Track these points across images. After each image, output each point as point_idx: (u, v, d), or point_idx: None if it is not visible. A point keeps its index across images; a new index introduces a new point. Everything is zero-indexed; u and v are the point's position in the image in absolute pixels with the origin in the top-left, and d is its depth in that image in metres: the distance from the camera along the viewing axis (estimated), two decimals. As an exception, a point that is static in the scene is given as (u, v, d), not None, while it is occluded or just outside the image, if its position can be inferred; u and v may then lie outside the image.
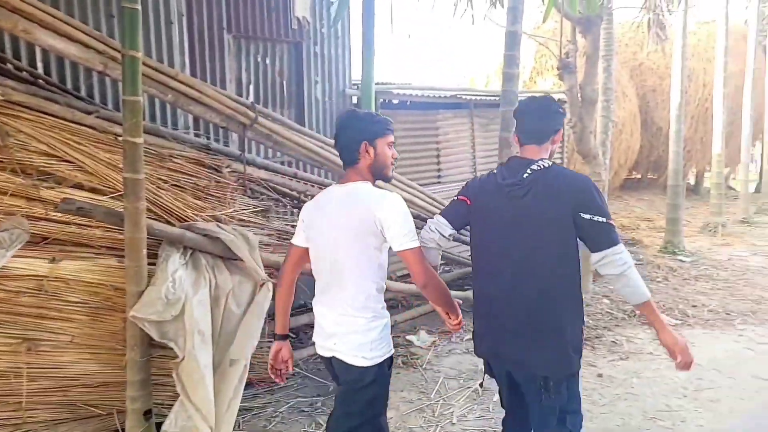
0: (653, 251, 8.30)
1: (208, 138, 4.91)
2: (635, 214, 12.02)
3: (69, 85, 4.26)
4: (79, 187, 3.06)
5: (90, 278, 2.86)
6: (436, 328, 5.00)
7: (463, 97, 7.82)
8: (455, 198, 2.30)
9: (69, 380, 2.89)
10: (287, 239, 4.01)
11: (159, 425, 2.81)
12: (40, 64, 4.19)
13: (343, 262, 2.05)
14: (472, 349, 4.53)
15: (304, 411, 3.55)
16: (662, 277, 6.90)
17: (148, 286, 2.74)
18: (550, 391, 2.04)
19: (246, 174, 4.14)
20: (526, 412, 2.37)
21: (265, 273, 3.23)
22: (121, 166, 2.81)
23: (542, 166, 2.08)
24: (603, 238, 1.99)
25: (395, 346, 2.29)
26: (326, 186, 5.07)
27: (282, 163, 5.27)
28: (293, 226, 4.23)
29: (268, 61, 5.77)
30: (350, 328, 2.05)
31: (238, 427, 3.30)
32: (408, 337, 4.74)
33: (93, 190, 3.08)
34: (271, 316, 4.05)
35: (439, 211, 2.38)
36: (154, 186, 3.23)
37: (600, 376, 4.06)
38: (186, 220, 3.24)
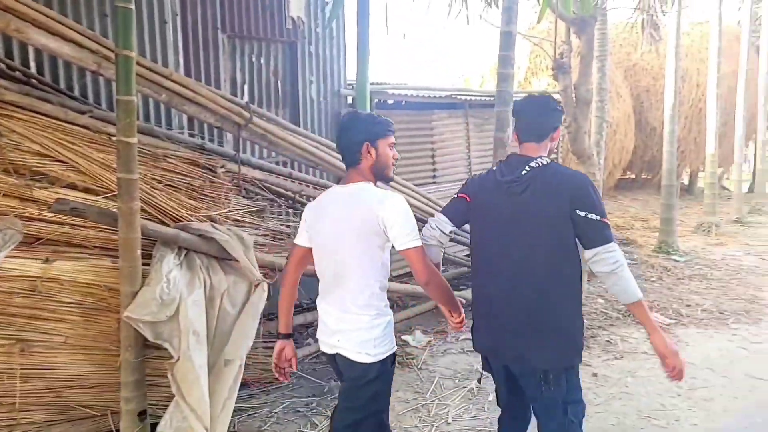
0: (647, 251, 8.33)
1: (203, 138, 4.89)
2: (629, 213, 12.07)
3: (62, 85, 4.24)
4: (73, 187, 3.04)
5: (84, 279, 2.84)
6: (432, 328, 5.01)
7: (458, 97, 7.83)
8: (455, 195, 2.33)
9: (63, 381, 2.88)
10: (282, 239, 4.01)
11: (154, 426, 2.80)
12: (33, 64, 4.17)
13: (347, 261, 2.08)
14: (468, 349, 4.59)
15: (299, 411, 3.54)
16: (656, 277, 6.92)
17: (142, 286, 2.73)
18: (550, 383, 2.06)
19: (241, 174, 4.13)
20: (523, 410, 2.39)
21: (260, 273, 3.22)
22: (114, 166, 2.79)
23: (540, 164, 2.11)
24: (596, 235, 2.00)
25: (391, 345, 2.30)
26: (321, 186, 5.09)
27: (277, 163, 5.26)
28: (288, 226, 4.24)
29: (262, 61, 5.76)
30: (354, 326, 2.08)
31: (234, 427, 3.29)
32: (403, 337, 4.74)
33: (87, 191, 3.06)
34: (266, 316, 4.05)
35: (434, 211, 2.39)
36: (148, 186, 3.21)
37: (595, 375, 4.07)
38: (180, 221, 3.23)
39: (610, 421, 3.40)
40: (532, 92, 9.84)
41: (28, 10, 2.91)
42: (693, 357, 4.41)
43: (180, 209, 3.29)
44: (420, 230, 2.16)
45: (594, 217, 2.00)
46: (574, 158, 7.29)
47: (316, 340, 4.59)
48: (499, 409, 2.46)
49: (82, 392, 2.92)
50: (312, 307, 5.22)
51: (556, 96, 6.79)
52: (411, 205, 5.17)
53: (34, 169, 2.97)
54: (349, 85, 6.44)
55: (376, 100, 6.61)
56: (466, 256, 6.72)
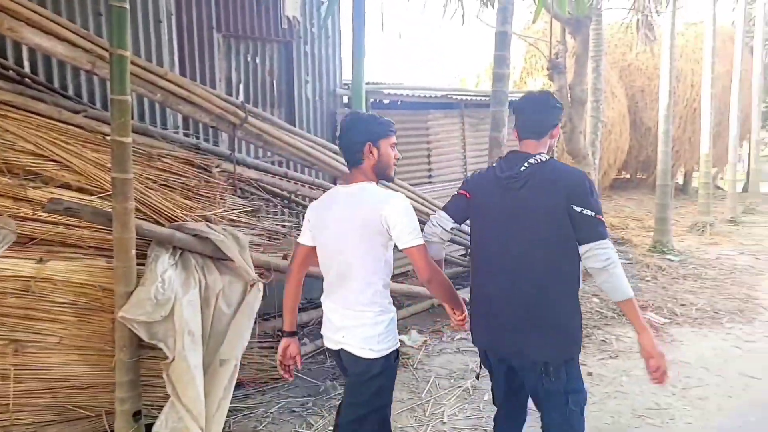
0: (642, 250, 8.36)
1: (198, 138, 4.88)
2: (625, 213, 12.11)
3: (56, 84, 4.23)
4: (67, 186, 3.03)
5: (78, 279, 2.83)
6: (427, 328, 5.01)
7: (454, 97, 7.83)
8: (456, 193, 2.35)
9: (57, 382, 2.87)
10: (277, 239, 4.01)
11: (148, 427, 2.80)
12: (26, 63, 4.15)
13: (351, 260, 2.12)
14: (464, 349, 4.60)
15: (294, 411, 3.53)
16: (651, 276, 6.95)
17: (137, 286, 2.72)
18: (551, 375, 2.08)
19: (236, 174, 4.12)
20: (519, 408, 2.40)
21: (256, 273, 3.22)
22: (109, 165, 2.78)
23: (539, 160, 2.13)
24: (590, 231, 2.01)
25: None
26: (317, 186, 5.09)
27: (272, 162, 5.25)
28: (284, 226, 4.23)
29: (258, 61, 5.75)
30: (358, 322, 2.12)
31: (229, 427, 3.28)
32: (399, 337, 4.73)
33: (81, 190, 3.05)
34: (261, 316, 4.05)
35: (430, 211, 2.40)
36: (142, 186, 3.20)
37: (590, 374, 4.09)
38: (175, 220, 3.22)
39: (605, 420, 3.41)
40: (529, 92, 9.85)
41: (22, 9, 2.90)
42: (687, 356, 4.43)
43: (175, 209, 3.28)
44: (420, 229, 2.18)
45: (589, 213, 2.01)
46: (569, 158, 7.31)
47: (312, 340, 4.60)
48: (495, 409, 2.47)
49: (77, 393, 2.91)
50: (307, 307, 5.22)
51: (552, 96, 6.81)
52: (407, 204, 5.19)
53: (28, 168, 2.96)
54: (344, 84, 6.44)
55: (372, 99, 6.61)
56: (461, 255, 6.73)
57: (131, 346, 2.71)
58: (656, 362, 2.04)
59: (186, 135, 4.81)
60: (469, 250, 5.76)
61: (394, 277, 5.59)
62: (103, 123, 3.43)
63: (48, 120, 3.21)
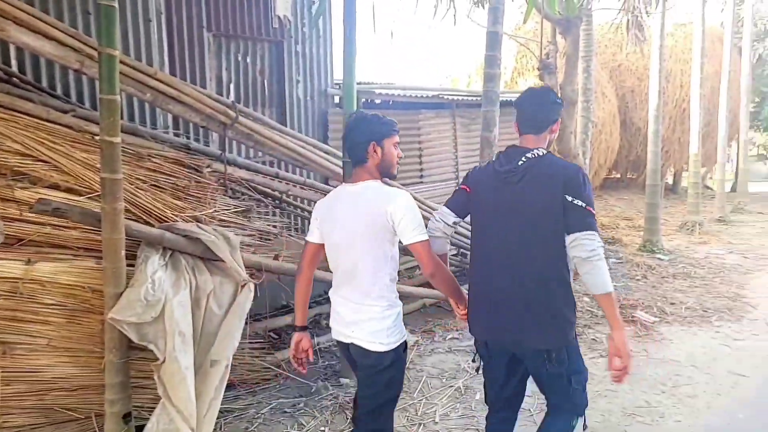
0: (632, 249, 8.42)
1: (188, 138, 4.86)
2: (615, 213, 12.19)
3: (44, 84, 4.19)
4: (55, 187, 3.00)
5: (67, 280, 2.80)
6: (419, 328, 5.02)
7: (445, 97, 7.85)
8: (457, 187, 2.42)
9: (46, 384, 2.84)
10: (269, 239, 3.99)
11: (139, 428, 2.78)
12: (14, 62, 4.11)
13: (358, 256, 2.19)
14: (455, 348, 4.61)
15: (286, 412, 3.52)
16: (641, 275, 6.99)
17: (126, 287, 2.70)
18: (553, 361, 2.14)
19: (227, 174, 4.10)
20: (512, 407, 2.42)
21: (247, 273, 3.20)
22: (98, 166, 2.76)
23: (537, 155, 2.18)
24: (579, 221, 2.05)
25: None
26: (308, 186, 5.08)
27: (263, 163, 5.24)
28: (275, 227, 4.21)
29: (248, 60, 5.73)
30: (367, 316, 2.19)
31: (220, 429, 3.27)
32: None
33: (69, 191, 3.02)
34: (252, 317, 4.03)
35: (425, 210, 2.43)
36: (132, 186, 3.18)
37: (581, 373, 4.10)
38: (165, 221, 3.20)
39: (596, 419, 3.43)
40: (519, 92, 9.89)
41: (9, 8, 2.87)
42: (677, 354, 4.47)
43: (165, 209, 3.26)
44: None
45: (579, 203, 2.06)
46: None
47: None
48: (487, 408, 2.48)
49: (66, 395, 2.89)
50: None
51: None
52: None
53: (16, 168, 2.93)
54: (336, 84, 6.43)
55: (364, 99, 6.61)
56: (453, 255, 6.74)
57: (121, 348, 2.70)
58: (623, 362, 2.09)
59: (176, 135, 4.79)
60: (461, 251, 5.78)
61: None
62: (92, 123, 3.40)
63: (36, 120, 3.18)
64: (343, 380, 3.91)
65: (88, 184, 3.05)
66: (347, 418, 3.41)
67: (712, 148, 13.63)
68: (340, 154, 4.24)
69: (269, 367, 3.91)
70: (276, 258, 3.85)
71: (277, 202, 4.99)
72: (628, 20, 8.35)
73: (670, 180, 16.28)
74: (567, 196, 2.06)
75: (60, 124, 3.29)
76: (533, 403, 3.55)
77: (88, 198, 3.01)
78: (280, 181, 4.81)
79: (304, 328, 2.42)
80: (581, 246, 2.02)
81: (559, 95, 6.07)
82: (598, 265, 2.02)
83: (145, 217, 3.15)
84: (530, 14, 5.01)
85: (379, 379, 2.20)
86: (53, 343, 2.82)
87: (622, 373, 2.10)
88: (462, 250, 5.58)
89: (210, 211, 3.59)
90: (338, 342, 2.35)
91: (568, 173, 2.11)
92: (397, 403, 2.32)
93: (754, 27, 14.27)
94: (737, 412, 3.54)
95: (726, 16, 12.90)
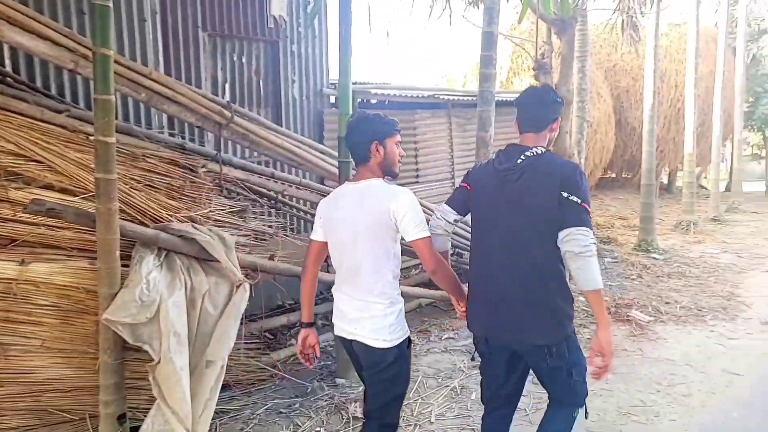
0: (627, 249, 8.44)
1: (183, 138, 4.85)
2: (610, 212, 12.22)
3: (38, 83, 4.17)
4: (49, 187, 2.99)
5: (61, 281, 2.79)
6: (414, 328, 5.02)
7: (441, 97, 7.85)
8: (458, 185, 2.44)
9: (40, 385, 2.83)
10: (264, 240, 3.99)
11: (133, 429, 2.77)
12: (8, 62, 4.09)
13: (361, 253, 2.22)
14: (451, 348, 4.61)
15: (282, 413, 3.52)
16: (636, 275, 7.02)
17: (121, 288, 2.69)
18: (554, 355, 2.17)
19: (222, 174, 4.09)
20: (508, 405, 2.43)
21: (242, 274, 3.20)
22: (92, 166, 2.75)
23: (535, 153, 2.21)
24: (573, 216, 2.07)
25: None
26: (304, 186, 5.07)
27: (259, 163, 5.23)
28: (270, 227, 4.21)
29: (244, 60, 5.72)
30: (369, 313, 2.23)
31: (215, 429, 3.26)
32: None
33: (63, 191, 3.01)
34: (248, 317, 4.03)
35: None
36: (127, 186, 3.17)
37: (576, 372, 4.11)
38: (160, 221, 3.19)
39: (591, 418, 3.43)
40: (515, 92, 9.91)
41: (3, 7, 2.85)
42: (672, 353, 4.48)
43: (160, 210, 3.25)
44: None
45: (575, 199, 2.07)
46: (555, 158, 7.35)
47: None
48: (482, 408, 2.48)
49: (60, 396, 2.87)
50: (294, 309, 5.21)
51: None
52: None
53: (10, 169, 2.91)
54: (331, 84, 6.43)
55: (359, 99, 6.60)
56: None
57: (116, 349, 2.68)
58: (605, 361, 2.10)
59: (171, 135, 4.77)
60: (457, 251, 5.79)
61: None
62: (87, 123, 3.39)
63: (30, 120, 3.16)
64: (339, 380, 3.91)
65: (82, 184, 3.03)
66: (343, 419, 3.41)
67: (706, 147, 13.69)
68: (336, 153, 4.23)
69: (265, 368, 3.90)
70: (271, 258, 3.84)
71: (272, 202, 4.99)
72: (622, 20, 8.36)
73: (665, 179, 16.35)
74: (563, 193, 2.08)
75: (54, 124, 3.27)
76: (529, 402, 3.56)
77: (83, 198, 2.99)
78: (276, 182, 4.80)
79: (310, 325, 2.47)
80: (574, 241, 2.04)
81: (555, 95, 6.10)
82: (590, 261, 2.03)
83: (139, 218, 3.14)
84: (525, 14, 5.03)
85: (385, 375, 2.24)
86: (47, 344, 2.80)
87: (602, 371, 2.12)
88: (458, 249, 5.59)
89: (205, 211, 3.58)
90: (340, 338, 2.38)
91: (565, 171, 2.14)
92: (405, 397, 2.38)
93: (748, 27, 14.33)
94: (732, 410, 3.55)
95: (720, 16, 12.94)
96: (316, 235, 2.40)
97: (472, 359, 2.50)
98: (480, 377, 2.48)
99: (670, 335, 4.90)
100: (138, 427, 2.70)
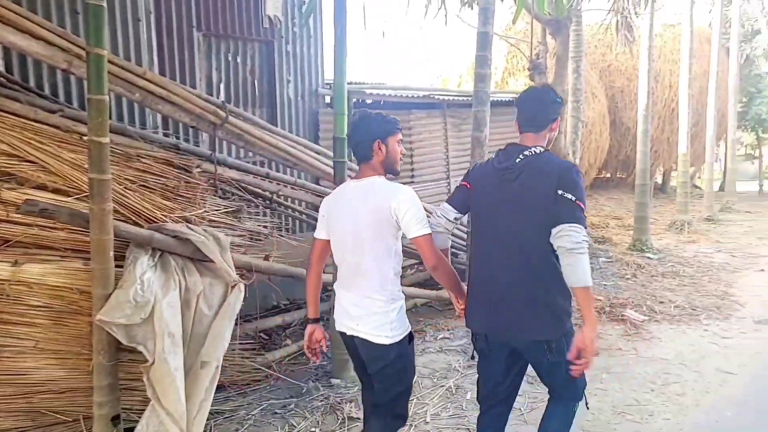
0: (622, 249, 8.47)
1: (178, 138, 4.84)
2: (605, 212, 12.26)
3: (32, 83, 4.15)
4: (43, 188, 2.98)
5: (54, 281, 2.78)
6: (410, 328, 5.01)
7: (436, 97, 7.86)
8: (459, 184, 2.47)
9: (33, 386, 2.81)
10: (259, 240, 3.98)
11: (128, 431, 2.76)
12: (0, 62, 4.07)
13: (363, 250, 2.25)
14: (446, 348, 4.61)
15: (276, 413, 3.51)
16: (631, 274, 7.04)
17: (115, 289, 2.68)
18: (553, 351, 2.18)
19: (217, 174, 4.08)
20: (504, 403, 2.44)
21: (237, 274, 3.19)
22: (86, 166, 2.74)
23: (534, 152, 2.23)
24: (567, 213, 2.08)
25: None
26: (299, 186, 5.06)
27: (254, 163, 5.22)
28: (265, 227, 4.20)
29: (239, 60, 5.71)
30: (371, 310, 2.26)
31: (210, 430, 3.25)
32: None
33: (57, 191, 3.00)
34: (242, 317, 4.02)
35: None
36: (121, 187, 3.16)
37: (571, 372, 4.12)
38: (155, 222, 3.18)
39: (586, 418, 3.44)
40: (510, 93, 9.93)
41: (-5, 7, 2.84)
42: (666, 352, 4.50)
43: (154, 210, 3.24)
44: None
45: (570, 196, 2.09)
46: (550, 158, 7.37)
47: (294, 341, 4.58)
48: (477, 407, 2.48)
49: (53, 397, 2.86)
50: (290, 308, 5.20)
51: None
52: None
53: (2, 169, 2.90)
54: (327, 84, 6.42)
55: (355, 99, 6.61)
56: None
57: (110, 350, 2.68)
58: (586, 357, 2.10)
59: (165, 135, 4.76)
60: (453, 251, 5.79)
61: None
62: (80, 123, 3.38)
63: (23, 120, 3.15)
64: (334, 381, 3.91)
65: (76, 184, 3.02)
66: (338, 419, 3.41)
67: (700, 147, 13.74)
68: (331, 154, 4.23)
69: (260, 368, 3.89)
70: (266, 259, 3.83)
71: (267, 202, 4.98)
72: (617, 21, 8.41)
73: (659, 179, 16.40)
74: (558, 190, 2.10)
75: (47, 124, 3.26)
76: (524, 402, 3.57)
77: (76, 199, 2.98)
78: (271, 182, 4.79)
79: (316, 320, 2.51)
80: (567, 237, 2.05)
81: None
82: (581, 258, 2.05)
83: (134, 218, 3.13)
84: (520, 14, 5.04)
85: (391, 371, 2.28)
86: (40, 345, 2.79)
87: (581, 367, 2.13)
88: (454, 250, 5.60)
89: (200, 211, 3.57)
90: (341, 333, 2.40)
91: (562, 169, 2.16)
92: (411, 390, 2.43)
93: (742, 28, 14.39)
94: (725, 409, 3.57)
95: (714, 16, 13.03)
96: (320, 233, 2.44)
97: (472, 357, 2.51)
98: (476, 376, 2.48)
99: (664, 334, 4.92)
100: (132, 429, 2.69)
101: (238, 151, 5.43)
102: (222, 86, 5.59)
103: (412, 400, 3.68)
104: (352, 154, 2.37)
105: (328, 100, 6.42)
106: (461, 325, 5.04)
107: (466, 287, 2.43)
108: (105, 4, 2.55)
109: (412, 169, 7.48)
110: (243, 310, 3.19)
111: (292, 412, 3.52)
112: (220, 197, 4.03)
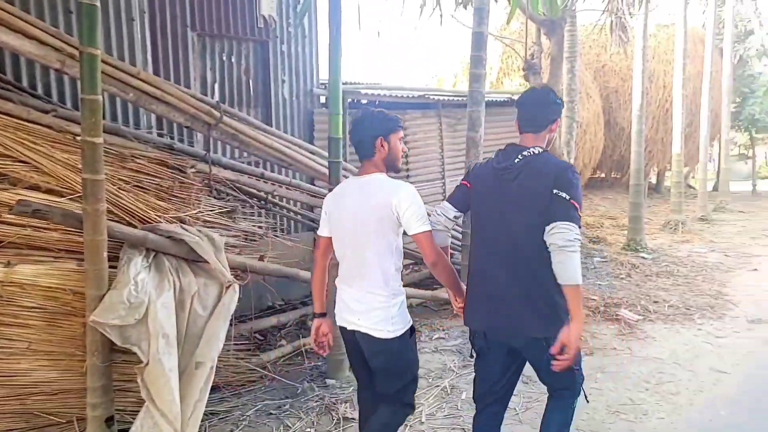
0: (617, 248, 8.50)
1: (172, 138, 4.82)
2: (599, 212, 12.30)
3: (25, 83, 4.13)
4: (36, 188, 2.96)
5: (48, 282, 2.76)
6: (406, 328, 5.01)
7: (431, 97, 7.86)
8: (459, 183, 2.49)
9: (26, 388, 2.80)
10: (254, 240, 3.97)
11: (122, 432, 2.75)
12: (-7, 61, 4.05)
13: (364, 246, 2.29)
14: (441, 348, 4.61)
15: (271, 414, 3.51)
16: (625, 274, 7.06)
17: (109, 290, 2.67)
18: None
19: (211, 174, 4.07)
20: (499, 403, 2.45)
21: (231, 275, 3.18)
22: (79, 166, 2.73)
23: (533, 153, 2.26)
24: (561, 211, 2.10)
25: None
26: (294, 186, 5.06)
27: (248, 163, 5.21)
28: (260, 227, 4.19)
29: (233, 60, 5.69)
30: (372, 305, 2.29)
31: (204, 431, 3.24)
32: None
33: (50, 192, 2.98)
34: (237, 318, 4.01)
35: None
36: (115, 187, 3.14)
37: (566, 372, 4.13)
38: (149, 222, 3.17)
39: (581, 417, 3.45)
40: (505, 93, 9.95)
41: (-12, 6, 2.82)
42: (660, 352, 4.52)
43: (148, 210, 3.22)
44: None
45: (564, 195, 2.11)
46: (545, 158, 7.38)
47: (289, 342, 4.56)
48: (473, 407, 2.49)
49: (47, 399, 2.85)
50: (285, 309, 5.19)
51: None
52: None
53: (-5, 169, 2.88)
54: (322, 84, 6.41)
55: (350, 99, 6.60)
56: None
57: (103, 351, 2.66)
58: (569, 353, 2.12)
59: (160, 135, 4.74)
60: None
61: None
62: (74, 123, 3.36)
63: (16, 120, 3.13)
64: (329, 381, 3.90)
65: (69, 185, 3.00)
66: (333, 419, 3.41)
67: (694, 147, 13.81)
68: (326, 154, 4.22)
69: (254, 369, 3.89)
70: (261, 259, 3.83)
71: (262, 202, 4.97)
72: (611, 21, 8.43)
73: (653, 179, 16.47)
74: (554, 189, 2.12)
75: (40, 125, 3.24)
76: (519, 401, 3.57)
77: (70, 199, 2.97)
78: (266, 182, 4.78)
79: (323, 314, 2.55)
80: (559, 234, 2.07)
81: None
82: (572, 255, 2.06)
83: (127, 219, 3.11)
84: (514, 15, 5.05)
85: (393, 366, 2.34)
86: (34, 346, 2.78)
87: (563, 362, 2.13)
88: (451, 250, 5.61)
89: (194, 211, 3.56)
90: (342, 328, 2.43)
91: (559, 169, 2.19)
92: (417, 380, 2.46)
93: (735, 28, 14.48)
94: (719, 408, 3.59)
95: (707, 17, 13.08)
96: (323, 230, 2.48)
97: (471, 356, 2.52)
98: (471, 376, 2.49)
99: (658, 334, 4.94)
100: (126, 430, 2.68)
101: (233, 152, 5.41)
102: (216, 86, 5.57)
103: (408, 400, 3.68)
104: (355, 151, 2.39)
105: (323, 100, 6.41)
106: (456, 325, 5.04)
107: (464, 286, 2.44)
108: (98, 4, 2.54)
109: (407, 169, 7.47)
110: (238, 310, 3.19)
111: (287, 412, 3.51)
112: (214, 197, 4.03)
